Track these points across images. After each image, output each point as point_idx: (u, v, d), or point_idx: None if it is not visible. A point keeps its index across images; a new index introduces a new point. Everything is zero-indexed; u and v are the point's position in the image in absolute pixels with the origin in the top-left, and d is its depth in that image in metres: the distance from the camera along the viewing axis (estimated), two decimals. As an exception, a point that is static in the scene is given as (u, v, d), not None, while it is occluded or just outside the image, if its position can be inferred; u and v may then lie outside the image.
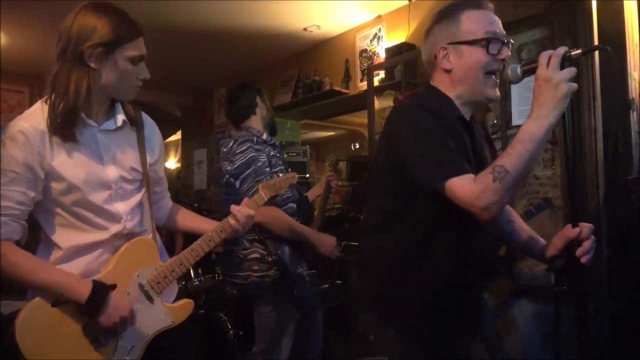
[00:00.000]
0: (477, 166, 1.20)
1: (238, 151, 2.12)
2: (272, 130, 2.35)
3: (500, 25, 1.26)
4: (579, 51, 1.05)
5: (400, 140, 1.19)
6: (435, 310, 1.24)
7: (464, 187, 1.06)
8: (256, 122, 2.29)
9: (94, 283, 1.25)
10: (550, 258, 1.19)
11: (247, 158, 2.08)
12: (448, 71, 1.26)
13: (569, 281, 1.13)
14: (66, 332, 1.24)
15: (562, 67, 1.05)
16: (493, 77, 1.24)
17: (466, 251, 1.24)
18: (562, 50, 1.05)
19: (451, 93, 1.28)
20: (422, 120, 1.18)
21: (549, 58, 1.05)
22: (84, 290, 1.22)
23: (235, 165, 2.11)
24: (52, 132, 1.24)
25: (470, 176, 1.08)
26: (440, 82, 1.30)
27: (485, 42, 1.21)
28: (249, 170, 2.05)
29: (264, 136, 2.23)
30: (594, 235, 1.13)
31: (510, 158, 1.03)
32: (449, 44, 1.25)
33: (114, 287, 1.29)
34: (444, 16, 1.29)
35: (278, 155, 2.25)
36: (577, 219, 1.14)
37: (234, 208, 1.50)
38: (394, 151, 1.22)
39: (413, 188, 1.18)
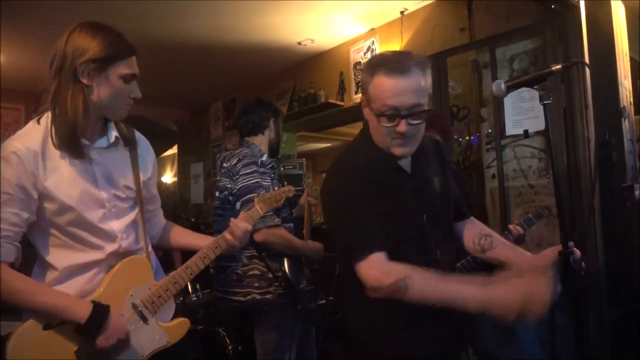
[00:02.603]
0: (422, 200, 1.27)
1: (242, 172, 2.09)
2: (274, 152, 2.35)
3: (407, 93, 1.22)
4: (559, 66, 1.08)
5: (327, 204, 1.28)
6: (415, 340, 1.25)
7: (367, 270, 1.14)
8: (261, 142, 2.28)
9: (94, 304, 1.24)
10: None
11: (251, 182, 2.06)
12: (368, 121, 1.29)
13: (565, 290, 1.13)
14: (58, 356, 1.22)
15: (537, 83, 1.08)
16: None
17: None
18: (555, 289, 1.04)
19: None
20: (348, 187, 1.23)
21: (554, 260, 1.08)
22: (82, 311, 1.21)
23: (238, 186, 2.08)
24: (59, 149, 1.25)
25: (379, 257, 1.14)
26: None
27: (378, 116, 1.25)
28: (250, 195, 2.00)
29: (264, 157, 2.21)
30: (592, 244, 1.14)
31: (426, 289, 1.08)
32: (365, 99, 1.27)
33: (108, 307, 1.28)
34: (364, 69, 1.29)
35: (276, 177, 2.24)
36: (567, 226, 1.15)
37: (232, 221, 1.49)
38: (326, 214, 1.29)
39: None
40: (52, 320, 1.22)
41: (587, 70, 2.20)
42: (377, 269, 1.13)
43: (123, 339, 1.27)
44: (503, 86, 1.16)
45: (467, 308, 1.05)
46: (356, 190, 1.21)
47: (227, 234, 1.47)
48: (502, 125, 2.51)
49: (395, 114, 1.19)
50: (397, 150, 1.24)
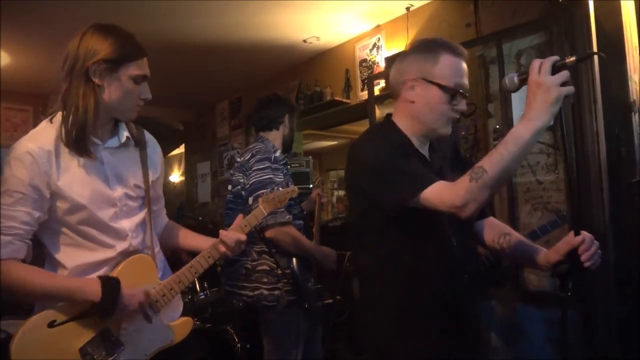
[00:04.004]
0: None
1: (255, 168, 2.11)
2: (286, 149, 2.35)
3: (467, 76, 1.30)
4: (573, 58, 1.06)
5: (362, 172, 1.27)
6: (433, 323, 1.26)
7: (438, 192, 1.12)
8: (275, 137, 2.29)
9: (101, 278, 1.25)
10: (554, 263, 1.19)
11: (264, 178, 2.07)
12: (410, 102, 1.30)
13: (574, 286, 1.12)
14: (62, 353, 1.23)
15: (554, 74, 1.06)
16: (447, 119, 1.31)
17: (448, 263, 1.28)
18: (553, 57, 1.07)
19: (407, 123, 1.32)
20: (379, 148, 1.25)
21: (540, 65, 1.07)
22: (94, 289, 1.23)
23: (251, 181, 2.10)
24: (68, 147, 1.26)
25: (442, 182, 1.13)
26: (399, 110, 1.35)
27: (452, 93, 1.27)
28: (263, 191, 2.03)
29: (277, 153, 2.22)
30: (601, 240, 1.13)
31: (490, 158, 1.07)
32: (422, 78, 1.27)
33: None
34: (422, 49, 1.31)
35: (289, 173, 2.25)
36: (580, 223, 1.14)
37: (222, 233, 1.45)
38: (360, 183, 1.28)
39: (382, 215, 1.23)
40: (58, 318, 1.23)
41: (597, 64, 2.17)
42: (446, 187, 1.13)
43: (143, 302, 1.29)
44: (516, 79, 1.14)
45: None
46: (396, 148, 1.25)
47: (220, 247, 1.45)
48: (509, 121, 2.49)
49: (463, 93, 1.26)
50: (446, 129, 1.30)
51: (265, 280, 2.10)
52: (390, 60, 3.33)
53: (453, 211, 1.10)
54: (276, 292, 2.09)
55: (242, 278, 2.14)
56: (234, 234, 1.45)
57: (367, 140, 1.35)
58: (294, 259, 2.13)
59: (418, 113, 1.30)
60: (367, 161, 1.26)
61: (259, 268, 2.12)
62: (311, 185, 3.75)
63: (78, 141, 1.26)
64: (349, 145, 1.44)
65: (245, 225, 1.53)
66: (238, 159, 2.26)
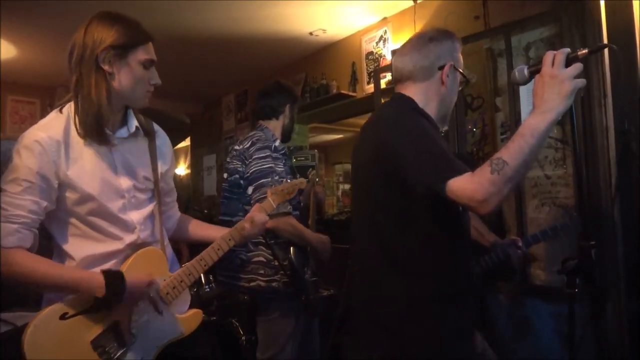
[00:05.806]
0: None
1: (256, 156, 2.08)
2: (285, 138, 2.33)
3: None
4: (585, 51, 1.05)
5: (393, 146, 1.19)
6: (460, 319, 1.24)
7: (462, 184, 1.05)
8: (274, 126, 2.27)
9: (104, 272, 1.25)
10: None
11: (264, 167, 2.05)
12: (443, 86, 1.32)
13: (583, 282, 1.12)
14: (74, 345, 1.24)
15: (567, 66, 1.05)
16: None
17: (469, 252, 1.28)
18: (565, 49, 1.06)
19: (431, 105, 1.33)
20: (413, 123, 1.22)
21: (554, 57, 1.06)
22: (98, 283, 1.23)
23: (251, 170, 2.07)
24: (85, 137, 1.27)
25: (469, 173, 1.07)
26: (424, 91, 1.33)
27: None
28: (264, 180, 2.01)
29: (277, 142, 2.20)
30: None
31: (509, 150, 1.03)
32: (453, 64, 1.32)
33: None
34: (449, 36, 1.34)
35: (287, 164, 2.23)
36: (586, 216, 1.13)
37: (255, 207, 1.55)
38: (386, 159, 1.20)
39: (413, 198, 1.17)
40: (69, 311, 1.24)
41: (607, 58, 2.15)
42: (468, 179, 1.05)
43: (150, 285, 1.30)
44: (526, 72, 1.12)
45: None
46: (425, 122, 1.25)
47: (246, 224, 1.49)
48: (517, 114, 2.47)
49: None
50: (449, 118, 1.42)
51: (261, 271, 2.07)
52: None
53: (473, 205, 1.03)
54: (273, 284, 2.07)
55: (237, 269, 2.11)
56: (260, 215, 1.55)
57: (401, 110, 1.29)
58: (291, 251, 2.11)
59: (446, 97, 1.34)
60: (405, 134, 1.18)
61: (255, 259, 2.08)
62: (317, 178, 3.75)
63: (95, 130, 1.27)
64: (374, 120, 1.36)
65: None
66: (236, 147, 2.21)
